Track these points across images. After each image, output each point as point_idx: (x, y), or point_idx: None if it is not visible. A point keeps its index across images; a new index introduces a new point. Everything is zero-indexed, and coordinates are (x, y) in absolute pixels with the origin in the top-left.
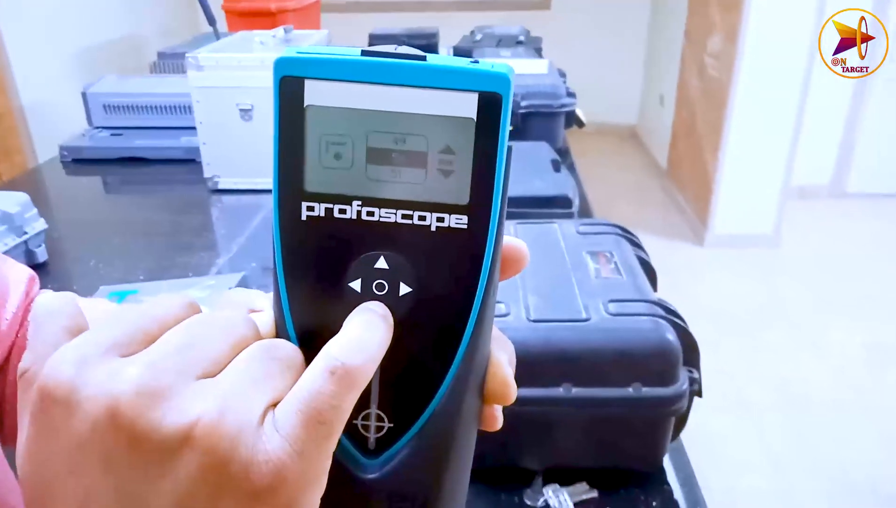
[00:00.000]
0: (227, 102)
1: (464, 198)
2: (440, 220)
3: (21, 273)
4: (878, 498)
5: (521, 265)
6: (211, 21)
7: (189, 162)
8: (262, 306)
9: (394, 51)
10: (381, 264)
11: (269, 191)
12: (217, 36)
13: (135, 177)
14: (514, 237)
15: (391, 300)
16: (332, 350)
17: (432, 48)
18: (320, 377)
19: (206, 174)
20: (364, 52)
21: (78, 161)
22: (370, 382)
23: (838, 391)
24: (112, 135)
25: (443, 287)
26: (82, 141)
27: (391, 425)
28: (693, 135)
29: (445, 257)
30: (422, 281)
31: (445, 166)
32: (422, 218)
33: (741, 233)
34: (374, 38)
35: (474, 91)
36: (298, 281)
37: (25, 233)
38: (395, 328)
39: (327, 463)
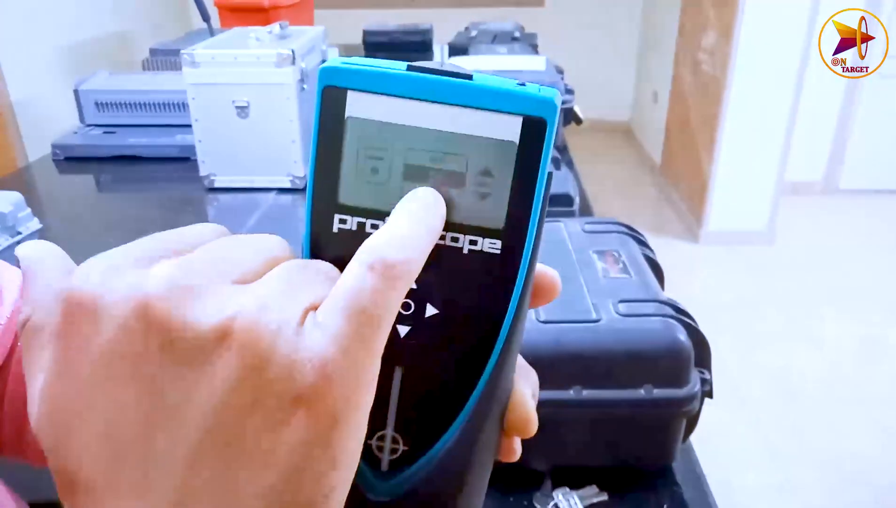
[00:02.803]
0: (223, 99)
1: (499, 223)
2: (473, 243)
3: (15, 275)
4: (874, 490)
5: (552, 296)
6: (205, 17)
7: (184, 160)
8: None
9: (440, 67)
10: None
11: (265, 189)
12: (211, 32)
13: (129, 175)
14: (547, 266)
15: (416, 322)
16: (372, 244)
17: (426, 44)
18: (361, 271)
19: (202, 172)
20: (409, 67)
21: (70, 159)
22: (388, 403)
23: (833, 384)
24: (105, 133)
25: (470, 312)
26: (75, 139)
27: (406, 448)
28: (687, 131)
29: (475, 281)
30: (449, 304)
31: (483, 189)
32: (454, 240)
33: (735, 229)
34: (368, 34)
35: (519, 115)
36: None
37: (19, 233)
38: (418, 350)
39: (376, 364)
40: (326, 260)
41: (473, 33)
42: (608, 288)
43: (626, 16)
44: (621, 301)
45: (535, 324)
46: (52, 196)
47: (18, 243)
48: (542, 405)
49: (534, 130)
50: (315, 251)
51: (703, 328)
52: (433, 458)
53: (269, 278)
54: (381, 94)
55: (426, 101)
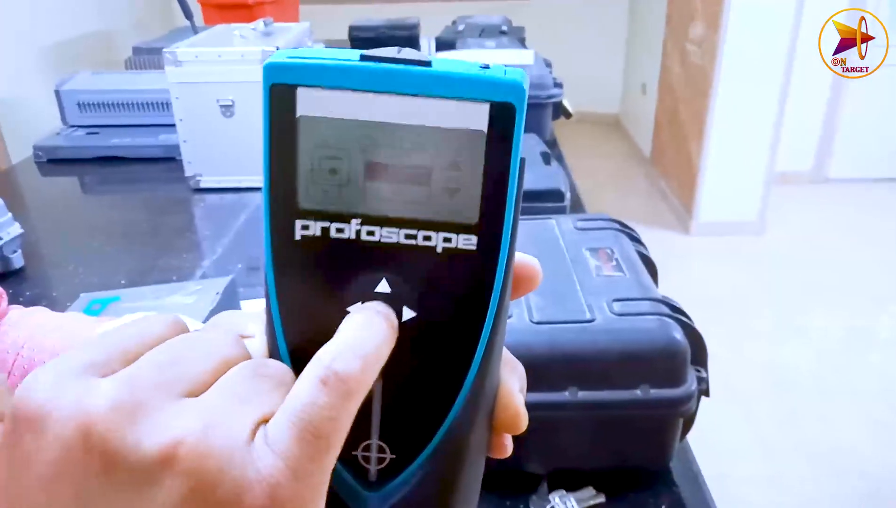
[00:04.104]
0: (208, 98)
1: (473, 217)
2: (447, 240)
3: None
4: (866, 480)
5: (532, 285)
6: (188, 14)
7: (169, 160)
8: (253, 331)
9: (396, 55)
10: (383, 287)
11: (253, 189)
12: (195, 30)
13: (113, 177)
14: (525, 254)
15: None
16: (323, 357)
17: (413, 39)
18: (313, 387)
19: (188, 173)
20: (363, 57)
21: (53, 161)
22: (371, 412)
23: (824, 375)
24: (88, 133)
25: (450, 312)
26: (57, 140)
27: (393, 456)
28: (676, 123)
29: (452, 280)
30: (427, 306)
31: (453, 183)
32: (427, 238)
33: (726, 220)
34: (354, 30)
35: (485, 101)
36: (293, 306)
37: (0, 239)
38: (398, 356)
39: (326, 482)
40: (290, 269)
41: (461, 27)
42: (602, 287)
43: (614, 7)
44: (616, 300)
45: (528, 325)
46: (34, 199)
47: (0, 248)
48: (537, 408)
49: (502, 117)
50: (278, 261)
51: (695, 319)
52: (423, 464)
53: (217, 390)
54: (334, 88)
55: (383, 92)
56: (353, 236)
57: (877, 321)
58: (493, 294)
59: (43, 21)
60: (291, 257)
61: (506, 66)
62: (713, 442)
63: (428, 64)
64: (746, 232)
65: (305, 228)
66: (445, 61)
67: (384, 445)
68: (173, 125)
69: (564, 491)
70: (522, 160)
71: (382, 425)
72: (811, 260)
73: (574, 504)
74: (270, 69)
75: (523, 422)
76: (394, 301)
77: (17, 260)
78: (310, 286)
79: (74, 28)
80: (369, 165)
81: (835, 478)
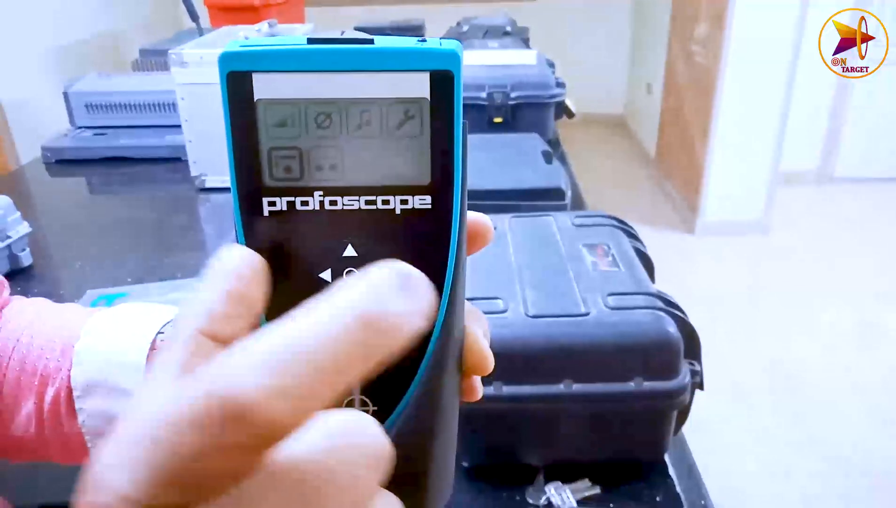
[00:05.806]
0: (213, 99)
1: (425, 178)
2: (404, 202)
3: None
4: (872, 477)
5: (486, 239)
6: (194, 17)
7: (175, 160)
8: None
9: (340, 36)
10: (350, 251)
11: None
12: (200, 31)
13: (120, 177)
14: (476, 212)
15: None
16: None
17: None
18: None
19: (193, 173)
20: (310, 41)
21: (61, 162)
22: None
23: (830, 372)
24: (95, 134)
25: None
26: (65, 141)
27: (375, 408)
28: (681, 122)
29: (413, 238)
30: None
31: (403, 148)
32: (385, 202)
33: (731, 220)
34: (359, 32)
35: (425, 70)
36: (270, 280)
37: (9, 237)
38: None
39: None
40: (263, 245)
41: (465, 28)
42: (598, 281)
43: (618, 8)
44: (611, 294)
45: (524, 319)
46: (42, 199)
47: (8, 246)
48: (533, 400)
49: (442, 84)
50: (250, 238)
51: (701, 318)
52: (402, 412)
53: None
54: (287, 71)
55: (332, 71)
56: (317, 207)
57: (882, 321)
58: (450, 247)
59: (51, 23)
60: (262, 233)
61: (441, 40)
62: (719, 439)
63: (370, 42)
64: (751, 231)
65: (272, 204)
66: (386, 39)
67: (366, 399)
68: (179, 126)
69: (560, 483)
70: (465, 123)
71: (362, 381)
72: (817, 259)
73: (570, 495)
74: (226, 58)
75: (490, 363)
76: (360, 264)
77: (26, 258)
78: (281, 258)
79: (82, 30)
80: (326, 139)
81: (840, 475)
